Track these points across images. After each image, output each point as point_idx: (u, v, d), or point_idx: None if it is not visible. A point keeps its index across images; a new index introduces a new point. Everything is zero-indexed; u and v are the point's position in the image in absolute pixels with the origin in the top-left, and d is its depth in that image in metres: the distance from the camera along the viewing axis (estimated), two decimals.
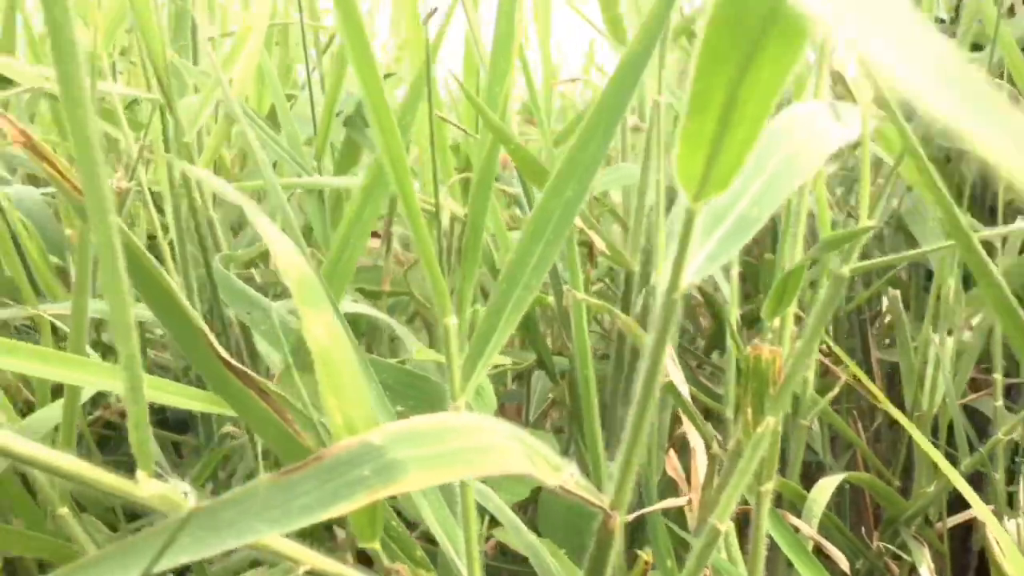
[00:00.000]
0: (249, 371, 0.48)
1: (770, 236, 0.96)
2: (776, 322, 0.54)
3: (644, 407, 0.39)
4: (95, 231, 0.38)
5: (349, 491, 0.30)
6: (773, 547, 0.65)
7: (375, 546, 0.36)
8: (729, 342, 0.69)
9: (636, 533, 0.80)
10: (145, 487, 0.41)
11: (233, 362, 0.48)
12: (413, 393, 0.60)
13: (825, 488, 0.70)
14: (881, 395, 0.67)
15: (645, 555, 0.43)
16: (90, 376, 0.57)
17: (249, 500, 0.30)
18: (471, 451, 0.32)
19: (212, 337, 0.48)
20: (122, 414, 0.91)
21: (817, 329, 0.49)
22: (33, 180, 1.29)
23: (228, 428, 0.98)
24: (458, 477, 0.31)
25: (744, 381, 0.51)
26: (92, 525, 0.82)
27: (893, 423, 0.96)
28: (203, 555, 0.29)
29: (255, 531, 0.30)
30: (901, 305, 0.83)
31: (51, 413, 0.71)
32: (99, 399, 0.98)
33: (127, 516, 0.92)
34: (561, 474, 0.35)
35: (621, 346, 0.84)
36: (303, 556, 0.40)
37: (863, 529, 0.88)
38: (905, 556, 0.77)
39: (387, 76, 1.11)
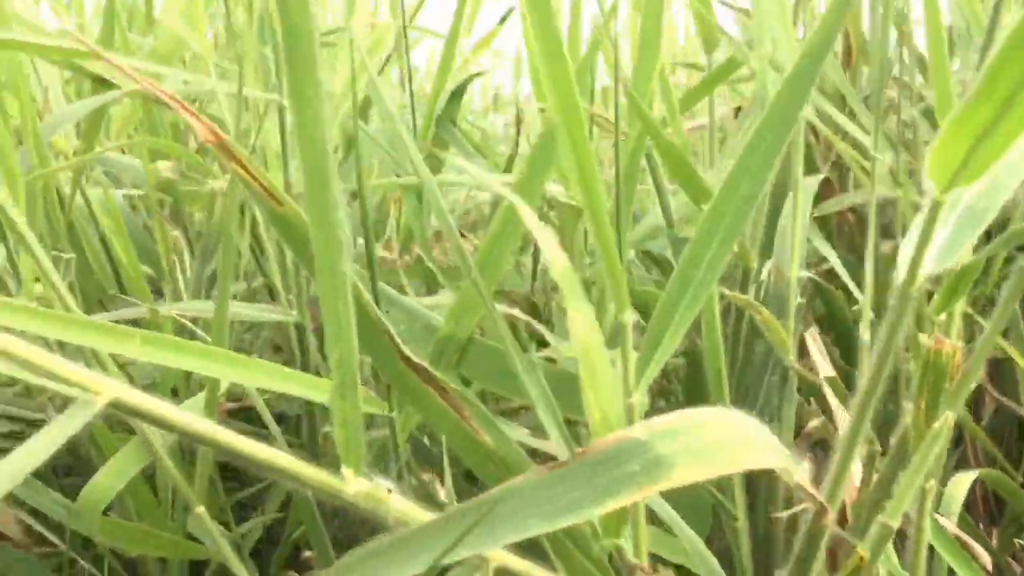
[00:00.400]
0: (431, 369, 0.48)
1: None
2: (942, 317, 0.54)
3: (867, 403, 0.39)
4: (317, 243, 0.37)
5: (619, 487, 0.30)
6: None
7: (620, 543, 0.36)
8: (862, 332, 0.68)
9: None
10: (352, 485, 0.41)
11: (416, 360, 0.48)
12: (564, 391, 0.60)
13: (961, 484, 0.69)
14: None
15: (862, 551, 0.42)
16: (236, 369, 0.56)
17: (519, 496, 0.30)
18: (732, 445, 0.32)
19: (397, 338, 0.47)
20: (229, 412, 0.91)
21: (999, 323, 0.49)
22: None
23: (328, 428, 0.98)
24: (722, 472, 0.31)
25: (921, 375, 0.50)
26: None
27: (999, 415, 0.95)
28: (483, 550, 0.29)
29: (529, 527, 0.29)
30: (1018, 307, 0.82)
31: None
32: None
33: (236, 515, 0.92)
34: (800, 469, 0.35)
35: (736, 339, 0.83)
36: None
37: (979, 525, 0.87)
38: None
39: (476, 75, 1.11)
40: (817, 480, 0.68)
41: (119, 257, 1.02)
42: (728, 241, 0.50)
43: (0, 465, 0.34)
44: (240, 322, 1.02)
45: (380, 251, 1.12)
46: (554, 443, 0.50)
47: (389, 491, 0.42)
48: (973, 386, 0.78)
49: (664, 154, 0.64)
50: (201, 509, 0.68)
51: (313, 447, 0.95)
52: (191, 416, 0.38)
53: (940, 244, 0.37)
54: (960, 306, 0.54)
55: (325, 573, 0.37)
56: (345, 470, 0.41)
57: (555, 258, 0.39)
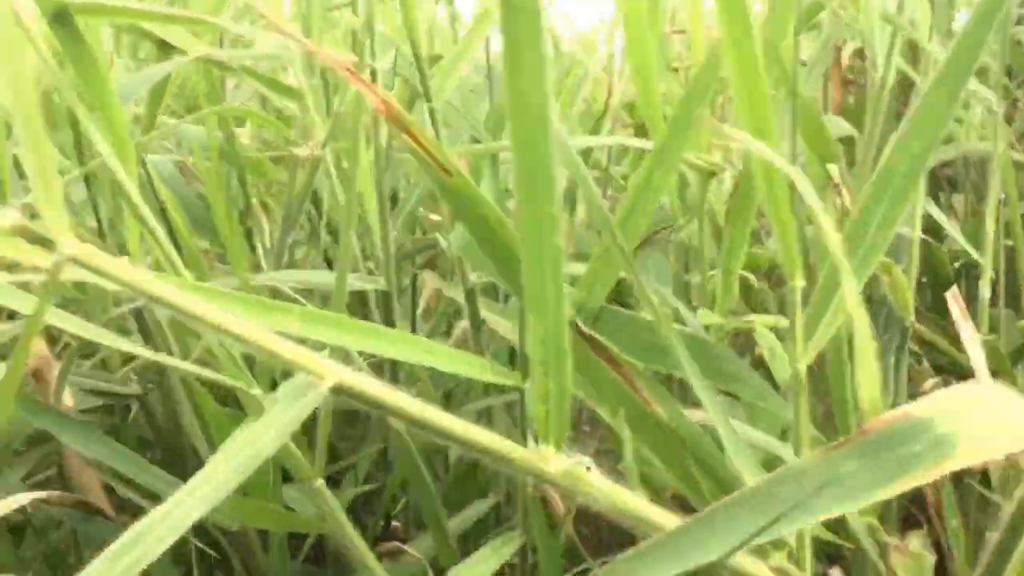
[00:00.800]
0: (600, 339, 0.47)
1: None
2: None
3: None
4: (526, 215, 0.36)
5: (902, 468, 0.29)
6: None
7: (874, 521, 0.35)
8: (982, 289, 0.66)
9: None
10: (553, 462, 0.40)
11: (586, 330, 0.47)
12: (703, 359, 0.58)
13: None
14: None
15: None
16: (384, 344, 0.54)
17: (802, 479, 0.28)
18: (1010, 424, 0.30)
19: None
20: None
21: None
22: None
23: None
24: (1003, 453, 0.29)
25: None
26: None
27: None
28: (773, 536, 0.28)
29: (811, 510, 0.28)
30: None
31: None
32: None
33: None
34: None
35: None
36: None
37: None
38: None
39: None
40: None
41: (179, 228, 0.99)
42: (898, 201, 0.48)
43: (219, 459, 0.32)
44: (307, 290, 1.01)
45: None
46: (711, 415, 0.49)
47: (588, 469, 0.41)
48: None
49: (799, 110, 0.61)
50: (320, 482, 0.67)
51: None
52: (417, 403, 0.36)
53: None
54: None
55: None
56: (543, 447, 0.40)
57: (827, 227, 0.37)
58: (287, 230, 0.88)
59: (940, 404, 0.30)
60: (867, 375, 0.34)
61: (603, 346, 0.46)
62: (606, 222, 0.53)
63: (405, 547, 0.76)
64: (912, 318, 0.69)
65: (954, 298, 0.59)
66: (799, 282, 0.47)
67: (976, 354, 0.58)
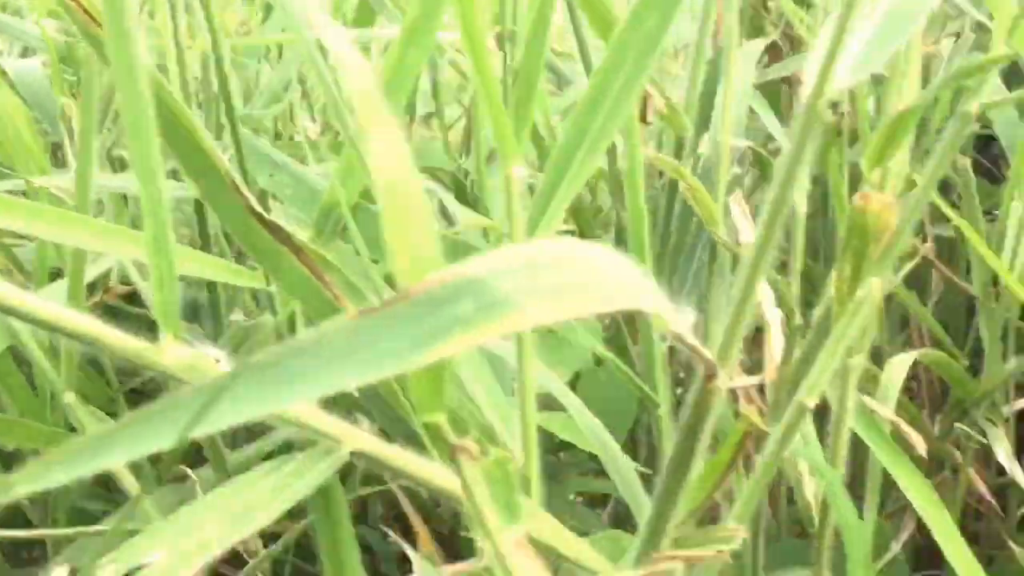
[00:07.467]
0: (285, 227, 0.43)
1: None
2: (876, 175, 0.48)
3: (763, 252, 0.34)
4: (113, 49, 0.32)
5: (446, 330, 0.25)
6: None
7: (439, 419, 0.31)
8: (797, 204, 0.63)
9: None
10: (170, 353, 0.36)
11: (268, 217, 0.43)
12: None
13: (899, 366, 0.65)
14: (990, 255, 0.61)
15: (750, 413, 0.38)
16: (96, 237, 0.50)
17: (323, 347, 0.25)
18: (595, 283, 0.27)
19: (245, 189, 0.42)
20: (125, 297, 0.85)
21: (936, 175, 0.44)
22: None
23: (238, 316, 0.93)
24: (581, 312, 0.26)
25: (846, 237, 0.45)
26: (96, 416, 0.76)
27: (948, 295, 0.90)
28: (282, 406, 0.24)
29: (336, 379, 0.24)
30: (971, 171, 0.78)
31: (54, 290, 0.65)
32: (98, 283, 0.91)
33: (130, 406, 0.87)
34: (681, 319, 0.30)
35: (669, 217, 0.79)
36: (345, 434, 0.36)
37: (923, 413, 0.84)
38: (979, 439, 0.73)
39: None
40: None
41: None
42: (632, 82, 0.44)
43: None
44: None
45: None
46: None
47: (217, 361, 0.37)
48: (917, 260, 0.74)
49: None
50: (71, 396, 0.63)
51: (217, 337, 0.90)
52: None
53: (857, 50, 0.32)
54: (903, 166, 0.49)
55: None
56: (163, 337, 0.36)
57: (353, 73, 0.32)
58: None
59: (504, 261, 0.26)
60: (403, 237, 0.29)
61: (287, 235, 0.42)
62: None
63: None
64: (723, 230, 0.65)
65: (736, 202, 0.55)
66: (521, 168, 0.43)
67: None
